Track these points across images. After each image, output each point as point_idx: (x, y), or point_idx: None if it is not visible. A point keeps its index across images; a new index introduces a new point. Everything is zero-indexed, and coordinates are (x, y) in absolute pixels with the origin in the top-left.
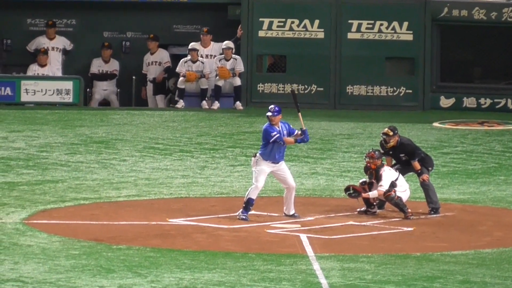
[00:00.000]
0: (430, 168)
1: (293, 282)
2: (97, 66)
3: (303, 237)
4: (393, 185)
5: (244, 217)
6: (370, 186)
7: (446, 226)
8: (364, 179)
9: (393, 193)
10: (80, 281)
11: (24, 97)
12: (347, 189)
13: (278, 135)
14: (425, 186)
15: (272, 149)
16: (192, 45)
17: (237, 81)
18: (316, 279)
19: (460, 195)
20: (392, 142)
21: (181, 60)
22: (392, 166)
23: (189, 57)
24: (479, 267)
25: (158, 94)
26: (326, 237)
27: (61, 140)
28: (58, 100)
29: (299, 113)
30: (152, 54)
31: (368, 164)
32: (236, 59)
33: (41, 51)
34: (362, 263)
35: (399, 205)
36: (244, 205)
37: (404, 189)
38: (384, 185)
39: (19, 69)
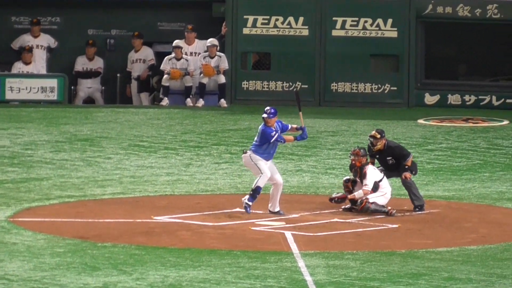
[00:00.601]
0: (413, 173)
1: (278, 280)
2: (81, 64)
3: (288, 234)
4: (376, 186)
5: (249, 204)
6: (353, 184)
7: (431, 223)
8: (347, 177)
9: (366, 203)
10: (65, 278)
11: (9, 95)
12: (331, 199)
13: (277, 134)
14: (408, 184)
15: (267, 147)
16: (176, 42)
17: (222, 79)
18: (301, 276)
19: (445, 192)
20: (379, 145)
21: (166, 58)
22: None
23: (173, 54)
24: (464, 264)
25: (143, 91)
26: (311, 234)
27: (45, 138)
28: (42, 98)
29: (300, 112)
30: (136, 51)
31: (353, 162)
32: (220, 56)
33: (25, 49)
34: (347, 260)
35: (377, 210)
36: (251, 192)
37: (385, 192)
38: (369, 184)
39: (3, 67)
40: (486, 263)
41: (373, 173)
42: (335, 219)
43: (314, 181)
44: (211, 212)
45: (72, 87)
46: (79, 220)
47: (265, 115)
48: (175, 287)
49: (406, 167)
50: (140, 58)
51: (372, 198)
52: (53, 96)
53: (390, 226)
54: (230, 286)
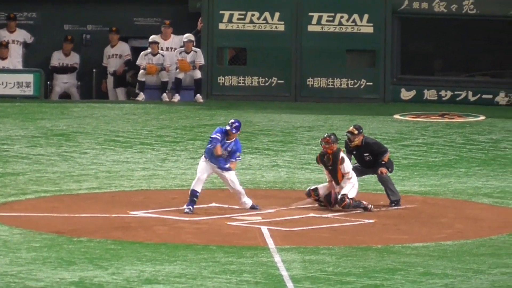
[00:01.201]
0: (390, 170)
1: (254, 274)
2: (57, 59)
3: (264, 229)
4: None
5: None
6: (315, 192)
7: (407, 218)
8: (308, 189)
9: (347, 200)
10: (42, 273)
11: None
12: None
13: (217, 142)
14: (384, 179)
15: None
16: (152, 38)
17: (198, 74)
18: (277, 271)
19: (421, 187)
20: (357, 141)
21: (142, 53)
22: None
23: (149, 50)
24: (440, 259)
25: (119, 87)
26: (287, 229)
27: (21, 133)
28: (18, 93)
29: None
30: (112, 46)
31: (325, 149)
32: (196, 51)
33: (2, 44)
34: (323, 255)
35: (355, 206)
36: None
37: (353, 183)
38: (348, 170)
39: None
40: (462, 258)
41: (347, 158)
42: (311, 214)
43: (290, 176)
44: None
45: (48, 82)
46: (55, 215)
47: (228, 127)
48: (151, 282)
49: (383, 162)
50: (116, 53)
51: (344, 191)
52: (29, 91)
53: (366, 221)
54: (206, 281)
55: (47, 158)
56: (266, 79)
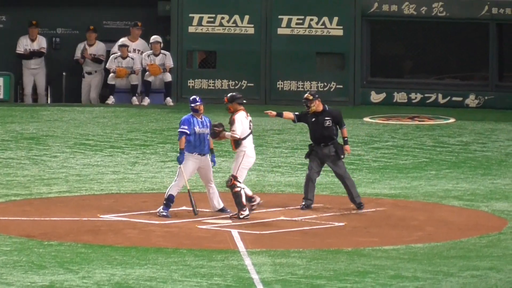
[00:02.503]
0: (342, 156)
1: (224, 278)
2: (23, 45)
3: (235, 233)
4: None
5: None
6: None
7: (377, 221)
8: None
9: (236, 185)
10: (12, 277)
11: None
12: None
13: (182, 136)
14: (345, 179)
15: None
16: (122, 41)
17: (168, 77)
18: (248, 275)
19: (391, 190)
20: (314, 107)
21: (111, 56)
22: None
23: (119, 53)
24: (411, 262)
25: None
26: (258, 232)
27: None
28: None
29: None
30: (90, 46)
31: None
32: (165, 54)
33: None
34: (294, 258)
35: (237, 199)
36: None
37: (252, 155)
38: (236, 130)
39: None
40: (432, 261)
41: (242, 121)
42: (282, 217)
43: (260, 179)
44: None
45: (18, 86)
46: (25, 219)
47: (191, 106)
48: (122, 286)
49: (346, 138)
50: (93, 53)
51: (236, 169)
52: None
53: (336, 224)
54: (176, 284)
55: (17, 161)
56: (236, 82)
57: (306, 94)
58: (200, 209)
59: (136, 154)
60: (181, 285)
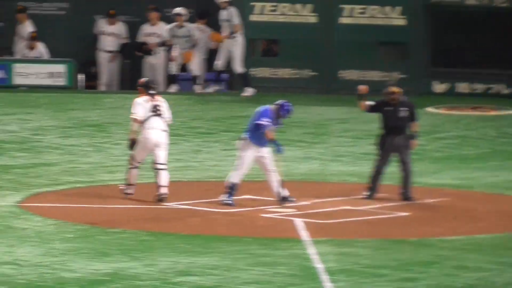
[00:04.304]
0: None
1: (288, 267)
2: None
3: (299, 222)
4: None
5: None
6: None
7: (441, 211)
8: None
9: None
10: (75, 264)
11: (17, 80)
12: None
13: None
14: (408, 171)
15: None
16: (177, 10)
17: (238, 69)
18: (312, 264)
19: (454, 181)
20: (397, 98)
21: (167, 27)
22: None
23: (175, 23)
24: (474, 252)
25: (170, 84)
26: (322, 221)
27: (54, 123)
28: (50, 83)
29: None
30: (152, 25)
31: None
32: (231, 11)
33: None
34: (358, 248)
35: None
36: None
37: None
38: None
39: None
40: (496, 252)
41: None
42: (346, 207)
43: (323, 168)
44: (218, 200)
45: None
46: (88, 206)
47: (276, 108)
48: (186, 274)
49: (415, 133)
50: (154, 32)
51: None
52: (62, 82)
53: (401, 214)
54: (240, 273)
55: (80, 148)
56: (298, 71)
57: (392, 88)
58: (263, 198)
59: (199, 142)
60: (245, 273)
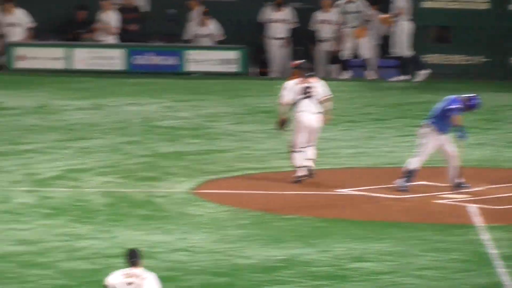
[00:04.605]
0: None
1: (462, 253)
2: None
3: (472, 208)
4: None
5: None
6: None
7: None
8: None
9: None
10: (250, 250)
11: (189, 67)
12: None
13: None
14: None
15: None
16: None
17: (406, 52)
18: (486, 250)
19: None
20: None
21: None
22: None
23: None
24: None
25: (334, 63)
26: (496, 207)
27: (227, 110)
28: (223, 70)
29: None
30: (325, 11)
31: None
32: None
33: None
34: None
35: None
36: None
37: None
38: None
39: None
40: None
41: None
42: None
43: (495, 154)
44: (394, 185)
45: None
46: (262, 192)
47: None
48: (360, 260)
49: None
50: (327, 19)
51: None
52: (235, 68)
53: None
54: (415, 258)
55: (253, 135)
56: (472, 57)
57: None
58: (436, 184)
59: (373, 129)
60: (420, 259)
